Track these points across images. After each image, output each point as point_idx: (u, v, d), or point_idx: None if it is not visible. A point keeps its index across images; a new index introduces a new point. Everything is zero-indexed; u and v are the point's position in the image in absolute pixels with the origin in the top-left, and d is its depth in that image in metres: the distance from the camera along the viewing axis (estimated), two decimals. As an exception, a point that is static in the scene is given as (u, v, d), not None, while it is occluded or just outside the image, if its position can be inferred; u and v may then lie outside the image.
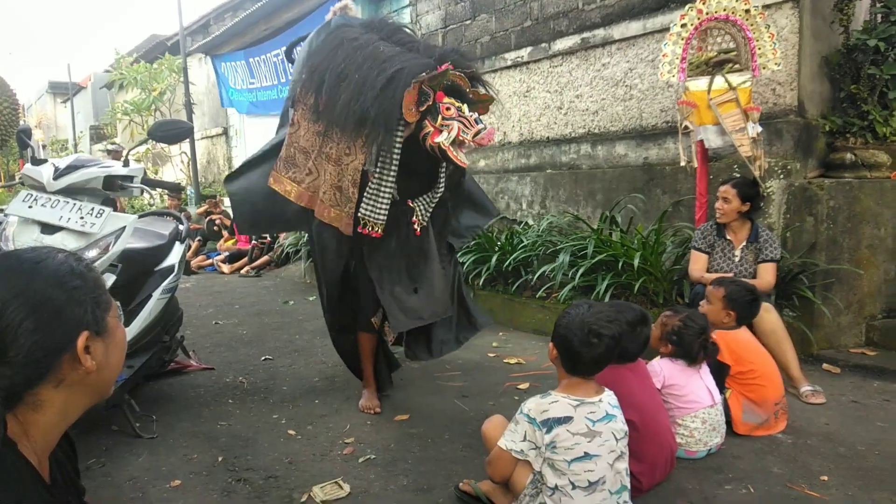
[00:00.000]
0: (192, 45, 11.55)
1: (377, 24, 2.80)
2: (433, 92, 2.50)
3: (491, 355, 3.92)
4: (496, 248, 5.01)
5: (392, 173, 2.60)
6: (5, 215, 2.64)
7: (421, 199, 2.80)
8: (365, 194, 2.64)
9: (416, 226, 2.78)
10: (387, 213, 2.64)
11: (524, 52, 5.74)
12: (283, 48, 8.23)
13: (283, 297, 5.12)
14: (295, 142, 2.81)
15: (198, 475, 2.39)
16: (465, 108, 2.53)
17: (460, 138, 2.48)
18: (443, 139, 2.47)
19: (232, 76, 10.32)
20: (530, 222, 5.47)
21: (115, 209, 2.73)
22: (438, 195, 2.85)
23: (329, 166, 2.68)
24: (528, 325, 4.49)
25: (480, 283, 4.88)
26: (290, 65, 3.30)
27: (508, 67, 5.92)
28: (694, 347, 2.50)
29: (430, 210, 2.86)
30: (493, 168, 6.18)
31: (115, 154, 9.05)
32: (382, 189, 2.62)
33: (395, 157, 2.58)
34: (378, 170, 2.61)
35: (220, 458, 2.53)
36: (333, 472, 2.40)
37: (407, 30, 2.85)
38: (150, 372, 3.21)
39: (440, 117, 2.49)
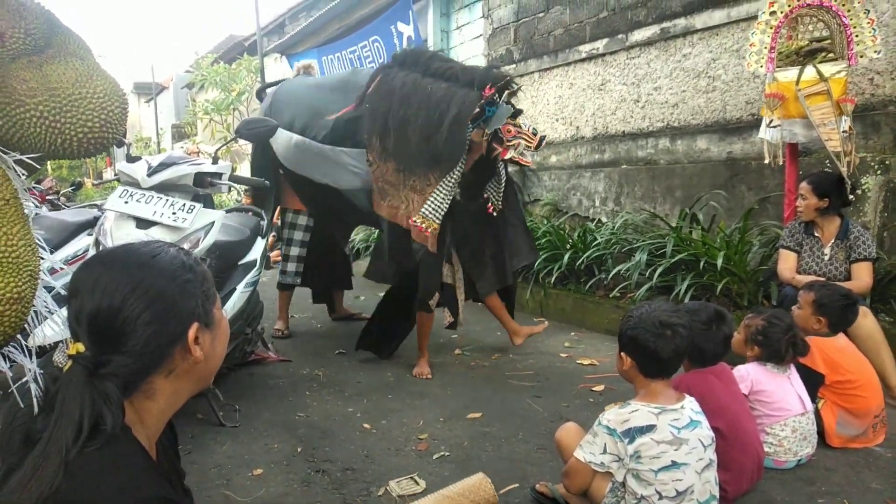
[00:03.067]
0: (269, 45, 11.90)
1: (412, 56, 3.31)
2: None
3: (563, 356, 3.86)
4: (568, 246, 4.93)
5: (452, 189, 3.24)
6: (101, 211, 2.79)
7: (490, 188, 3.47)
8: (429, 201, 3.20)
9: (491, 210, 3.48)
10: (442, 217, 3.22)
11: (600, 44, 5.61)
12: (348, 49, 8.39)
13: (353, 293, 5.21)
14: (380, 177, 3.39)
15: (278, 465, 2.46)
16: (519, 121, 3.14)
17: (525, 153, 3.16)
18: (511, 154, 3.14)
19: None
20: (604, 220, 5.35)
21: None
22: (503, 182, 3.54)
23: (414, 195, 3.28)
24: (601, 325, 4.39)
25: (552, 281, 4.81)
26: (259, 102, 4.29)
27: (583, 60, 5.80)
28: (782, 345, 2.38)
29: (501, 193, 3.53)
30: (564, 164, 6.08)
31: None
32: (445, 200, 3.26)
33: (457, 178, 3.22)
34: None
35: (299, 449, 2.60)
36: (408, 467, 2.42)
37: (440, 54, 3.40)
38: (233, 363, 3.32)
39: (504, 140, 3.12)
